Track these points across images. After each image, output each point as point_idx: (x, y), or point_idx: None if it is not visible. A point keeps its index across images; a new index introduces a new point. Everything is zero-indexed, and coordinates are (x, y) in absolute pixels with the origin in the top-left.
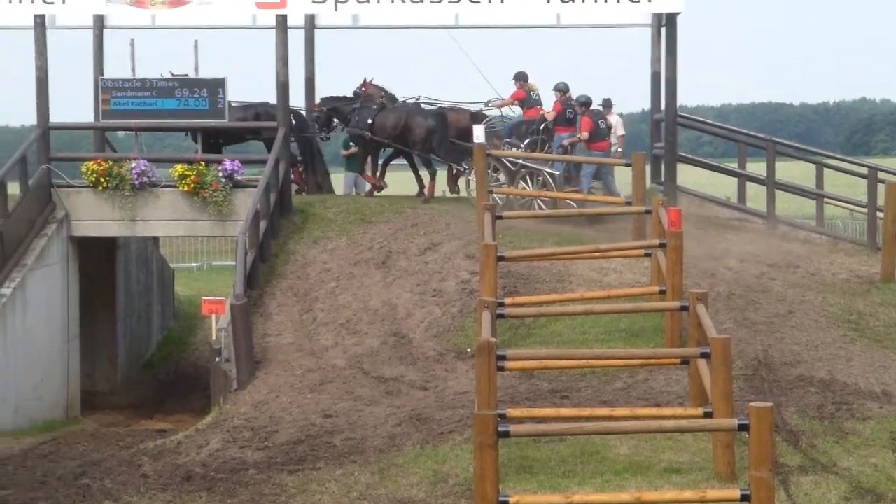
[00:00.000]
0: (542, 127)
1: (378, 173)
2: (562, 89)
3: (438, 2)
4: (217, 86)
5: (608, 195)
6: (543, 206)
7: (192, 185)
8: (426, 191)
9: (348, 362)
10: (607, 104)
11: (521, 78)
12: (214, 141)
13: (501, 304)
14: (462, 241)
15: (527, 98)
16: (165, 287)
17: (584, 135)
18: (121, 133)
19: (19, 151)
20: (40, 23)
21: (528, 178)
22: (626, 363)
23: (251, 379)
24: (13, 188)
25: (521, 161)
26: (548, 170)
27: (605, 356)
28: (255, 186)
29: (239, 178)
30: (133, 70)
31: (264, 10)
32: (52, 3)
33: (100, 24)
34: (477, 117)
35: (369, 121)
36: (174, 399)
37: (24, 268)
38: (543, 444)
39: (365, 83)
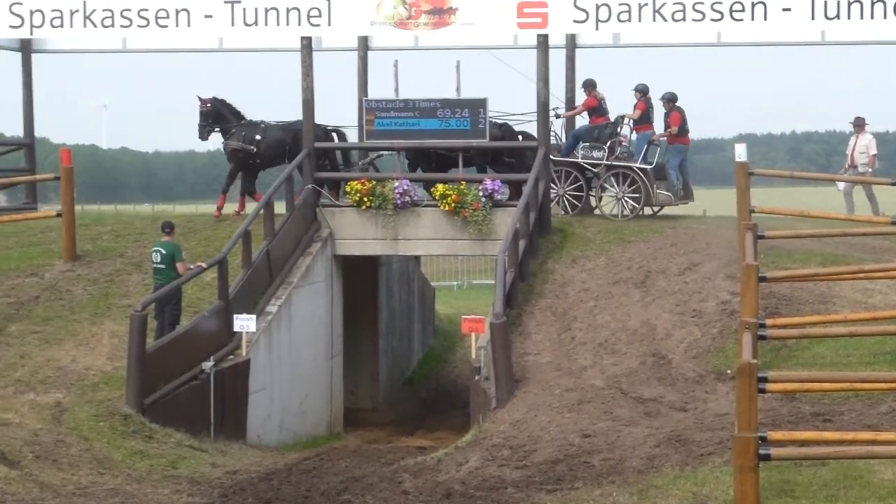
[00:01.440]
0: (619, 129)
1: None
2: (642, 90)
3: (700, 20)
4: (478, 106)
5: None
6: (636, 207)
7: (453, 205)
8: None
9: (607, 382)
10: (859, 123)
11: (589, 86)
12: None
13: (763, 326)
14: (722, 261)
15: (598, 106)
16: (426, 305)
17: (674, 129)
18: (383, 153)
19: (286, 171)
20: (307, 45)
21: (612, 179)
22: (892, 386)
23: (510, 397)
24: (279, 207)
25: (603, 163)
26: (638, 166)
27: (869, 379)
28: (514, 206)
29: (499, 197)
30: (396, 91)
31: (526, 31)
32: (318, 25)
33: (364, 45)
34: (504, 129)
35: None
36: (434, 416)
37: (289, 285)
38: (805, 468)
39: None
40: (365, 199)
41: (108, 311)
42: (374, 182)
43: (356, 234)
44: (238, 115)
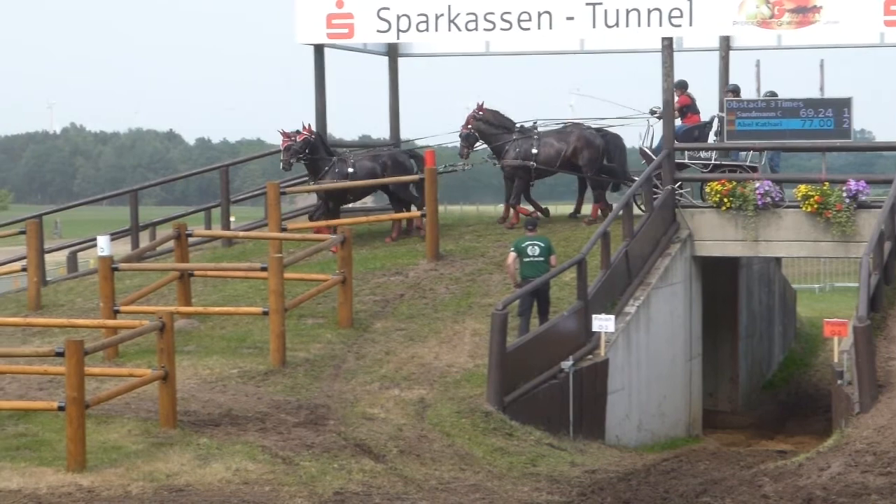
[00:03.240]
0: (717, 129)
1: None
2: (734, 90)
3: None
4: (842, 106)
5: None
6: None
7: (816, 206)
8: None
9: None
10: None
11: (681, 87)
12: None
13: None
14: None
15: (691, 105)
16: (787, 308)
17: None
18: (743, 154)
19: (645, 173)
20: (667, 45)
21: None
22: None
23: (874, 402)
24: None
25: (712, 162)
26: (748, 164)
27: None
28: (879, 207)
29: (863, 198)
30: (758, 90)
31: (894, 28)
32: (680, 25)
33: (726, 45)
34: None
35: (534, 150)
36: (795, 420)
37: (647, 286)
38: None
39: (479, 107)
40: (725, 199)
41: (470, 309)
42: (735, 183)
43: (715, 235)
44: (330, 151)
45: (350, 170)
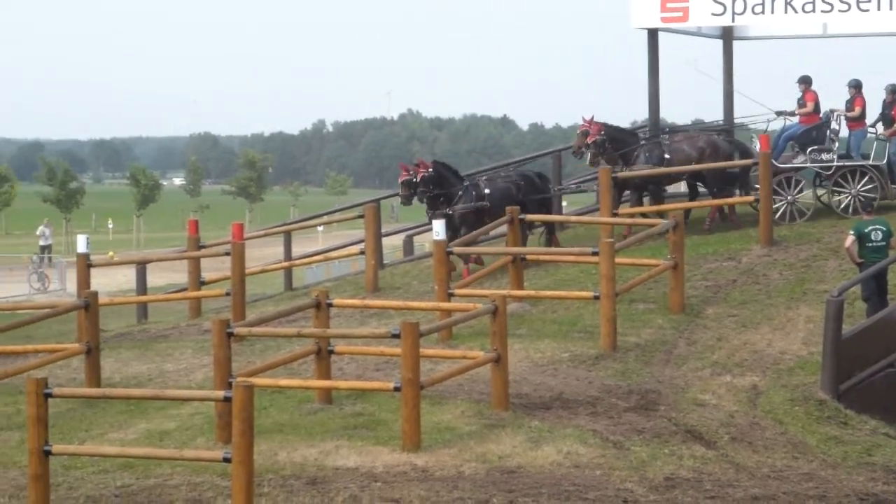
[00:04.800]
0: (835, 126)
1: None
2: (856, 85)
3: None
4: None
5: None
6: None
7: None
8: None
9: None
10: None
11: (806, 82)
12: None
13: None
14: None
15: (817, 103)
16: None
17: None
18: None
19: None
20: None
21: (849, 177)
22: None
23: None
24: None
25: (834, 164)
26: (871, 163)
27: None
28: None
29: None
30: None
31: None
32: None
33: None
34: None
35: (666, 156)
36: None
37: None
38: None
39: (592, 122)
40: None
41: (804, 295)
42: None
43: None
44: (458, 176)
45: (487, 191)
